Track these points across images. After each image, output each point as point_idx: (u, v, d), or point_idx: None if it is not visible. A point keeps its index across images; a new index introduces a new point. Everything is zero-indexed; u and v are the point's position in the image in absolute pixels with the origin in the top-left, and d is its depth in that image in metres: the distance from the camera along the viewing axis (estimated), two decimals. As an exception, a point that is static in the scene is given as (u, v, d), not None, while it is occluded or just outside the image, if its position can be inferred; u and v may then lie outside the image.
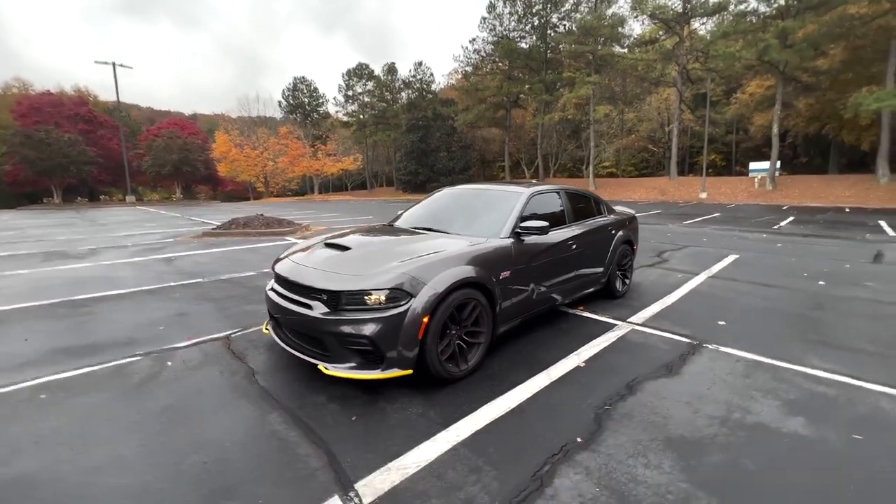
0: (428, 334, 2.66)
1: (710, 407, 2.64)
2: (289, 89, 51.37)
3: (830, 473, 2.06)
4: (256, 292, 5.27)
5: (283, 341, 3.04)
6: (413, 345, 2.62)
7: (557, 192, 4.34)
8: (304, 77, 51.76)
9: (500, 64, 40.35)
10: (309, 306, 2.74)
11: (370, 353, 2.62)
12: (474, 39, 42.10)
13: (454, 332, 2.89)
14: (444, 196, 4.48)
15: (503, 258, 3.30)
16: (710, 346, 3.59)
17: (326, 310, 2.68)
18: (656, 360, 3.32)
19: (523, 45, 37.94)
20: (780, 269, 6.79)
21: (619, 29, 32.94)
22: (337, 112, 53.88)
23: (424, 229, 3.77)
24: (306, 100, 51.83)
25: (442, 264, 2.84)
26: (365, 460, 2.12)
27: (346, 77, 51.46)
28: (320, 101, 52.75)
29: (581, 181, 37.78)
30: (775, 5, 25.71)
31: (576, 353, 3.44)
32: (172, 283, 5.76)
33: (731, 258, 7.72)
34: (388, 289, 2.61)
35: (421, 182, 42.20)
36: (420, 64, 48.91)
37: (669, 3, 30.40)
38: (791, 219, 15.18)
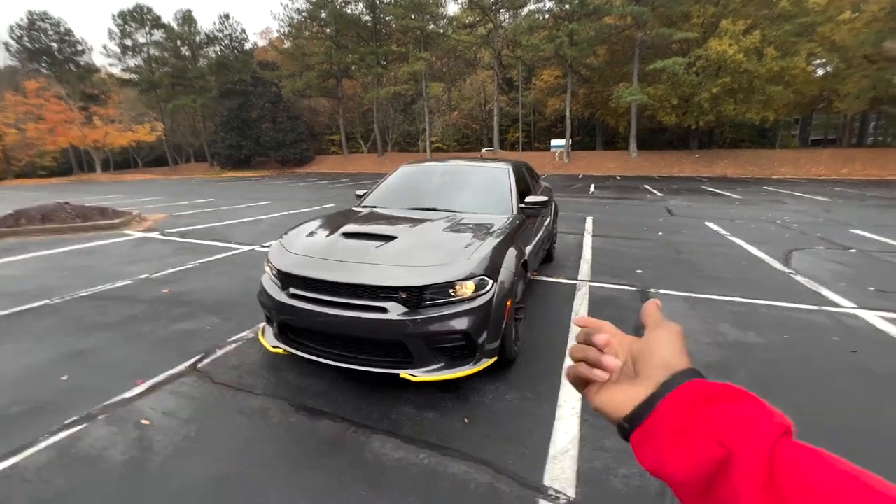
0: (509, 317, 2.59)
1: (704, 337, 3.35)
2: (22, 27, 37.00)
3: (793, 357, 2.94)
4: (158, 306, 3.99)
5: (319, 356, 2.48)
6: (499, 331, 2.52)
7: (521, 166, 4.56)
8: (45, 12, 37.75)
9: (326, 29, 37.55)
10: (382, 309, 2.30)
11: (460, 349, 2.41)
12: (294, -2, 37.64)
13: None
14: (418, 174, 4.21)
15: (522, 233, 3.37)
16: (652, 291, 4.47)
17: (405, 309, 2.31)
18: (635, 308, 3.97)
19: (349, 12, 36.17)
20: (627, 226, 8.68)
21: (440, 9, 34.68)
22: (110, 66, 41.68)
23: (428, 209, 3.50)
24: (55, 45, 38.28)
25: (503, 245, 2.75)
26: (525, 458, 2.01)
27: (120, 21, 39.81)
28: (78, 47, 39.70)
29: (417, 155, 39.18)
30: (566, 7, 30.98)
31: (574, 312, 3.83)
32: (2, 313, 3.82)
33: (589, 220, 9.43)
34: (476, 276, 2.41)
35: (245, 157, 36.85)
36: (227, 17, 41.27)
37: (484, -9, 33.40)
38: (593, 186, 19.21)
